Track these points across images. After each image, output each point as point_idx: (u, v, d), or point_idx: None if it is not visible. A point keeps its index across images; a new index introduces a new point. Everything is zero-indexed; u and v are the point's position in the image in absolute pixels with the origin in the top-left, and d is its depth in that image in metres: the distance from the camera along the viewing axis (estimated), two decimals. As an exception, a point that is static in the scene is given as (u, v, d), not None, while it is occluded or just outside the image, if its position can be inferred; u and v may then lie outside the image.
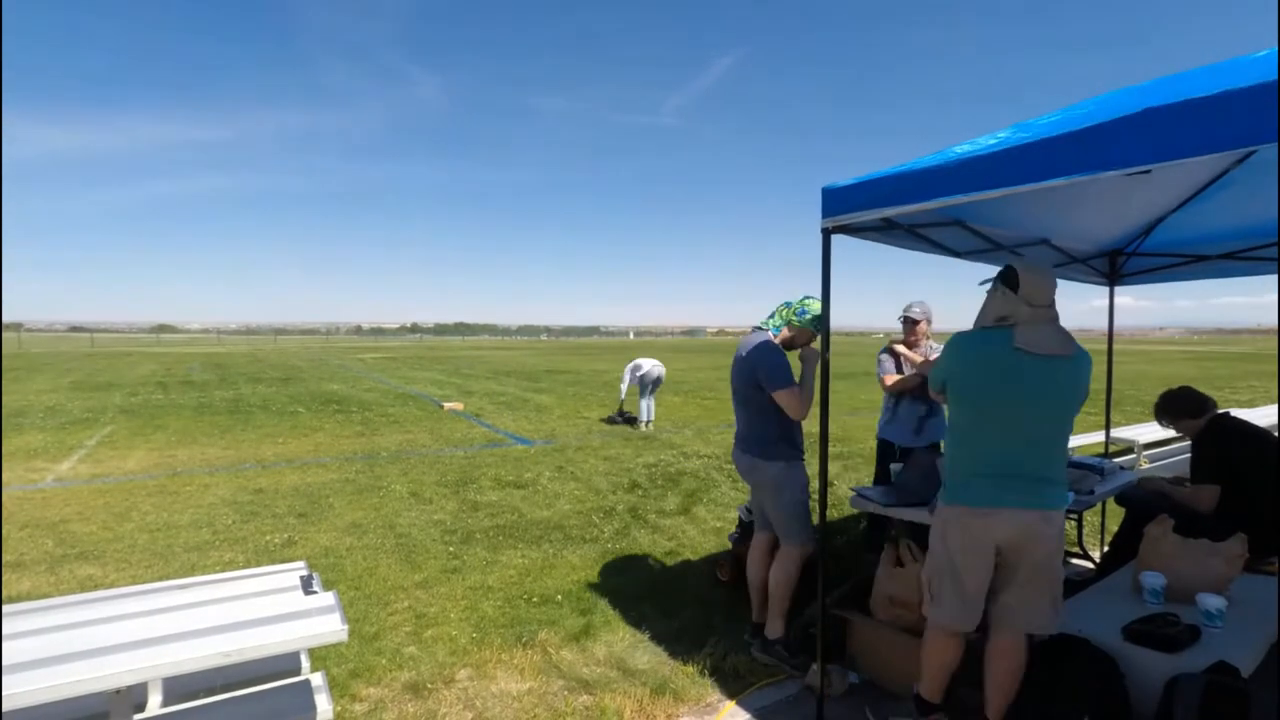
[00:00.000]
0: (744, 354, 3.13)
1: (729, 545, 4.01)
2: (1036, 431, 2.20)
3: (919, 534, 3.46)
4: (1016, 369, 2.16)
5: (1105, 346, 4.80)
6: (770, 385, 2.97)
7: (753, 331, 3.20)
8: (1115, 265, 4.30)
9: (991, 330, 2.26)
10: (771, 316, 3.18)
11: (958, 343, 2.30)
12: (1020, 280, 2.23)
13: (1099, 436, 5.62)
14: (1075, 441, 6.13)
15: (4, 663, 1.63)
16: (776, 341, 3.10)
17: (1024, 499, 2.18)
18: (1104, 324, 4.74)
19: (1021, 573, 2.22)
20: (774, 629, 3.06)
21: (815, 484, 2.94)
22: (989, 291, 2.34)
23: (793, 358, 3.11)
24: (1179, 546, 2.77)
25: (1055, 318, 2.24)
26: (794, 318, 3.10)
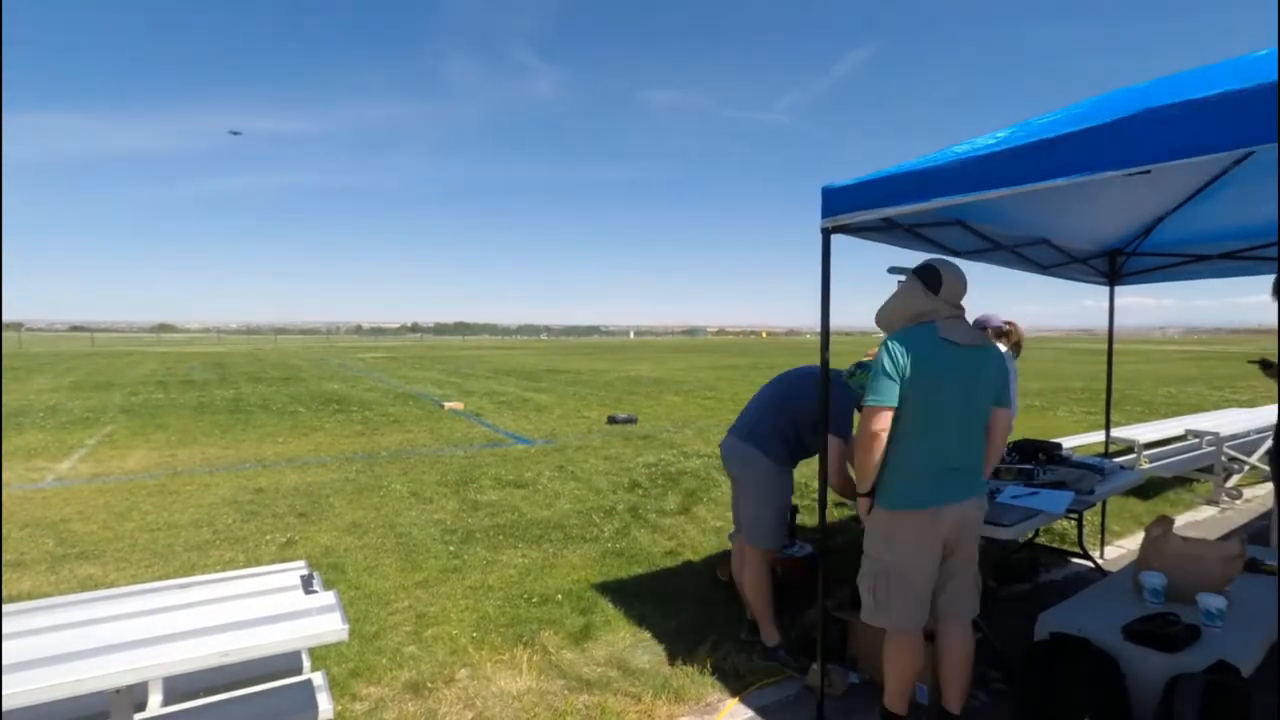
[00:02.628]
0: (804, 381, 3.08)
1: (729, 545, 4.01)
2: (964, 423, 2.26)
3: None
4: (944, 361, 2.20)
5: (1105, 346, 4.81)
6: (834, 427, 2.74)
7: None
8: (1115, 265, 4.30)
9: (916, 327, 2.27)
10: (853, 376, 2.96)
11: (895, 344, 2.22)
12: (944, 282, 2.27)
13: (1099, 436, 5.61)
14: (1075, 441, 6.13)
15: (4, 662, 1.63)
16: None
17: (963, 491, 2.26)
18: (1104, 324, 4.74)
19: (960, 562, 2.32)
20: (770, 636, 3.04)
21: (815, 484, 2.94)
22: (902, 288, 2.35)
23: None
24: (1179, 546, 2.77)
25: (964, 317, 2.32)
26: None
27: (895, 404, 2.19)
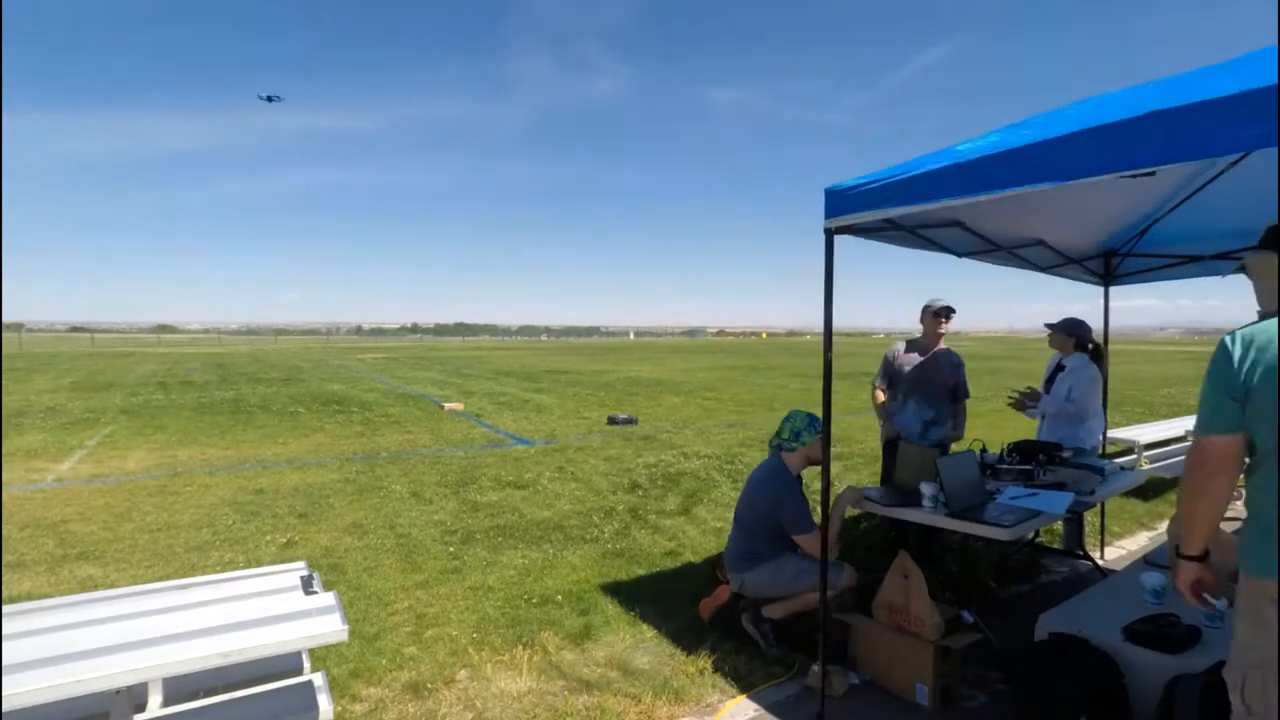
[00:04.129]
0: (760, 486, 3.19)
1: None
2: None
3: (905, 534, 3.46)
4: None
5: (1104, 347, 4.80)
6: (793, 530, 3.06)
7: (770, 456, 3.27)
8: (1110, 266, 4.31)
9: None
10: (785, 436, 3.21)
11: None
12: None
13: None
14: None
15: (4, 663, 1.63)
16: (798, 458, 3.17)
17: None
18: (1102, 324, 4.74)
19: None
20: (775, 611, 3.12)
21: (815, 483, 2.94)
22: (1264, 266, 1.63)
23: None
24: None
25: None
26: (807, 436, 3.15)
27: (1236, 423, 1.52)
